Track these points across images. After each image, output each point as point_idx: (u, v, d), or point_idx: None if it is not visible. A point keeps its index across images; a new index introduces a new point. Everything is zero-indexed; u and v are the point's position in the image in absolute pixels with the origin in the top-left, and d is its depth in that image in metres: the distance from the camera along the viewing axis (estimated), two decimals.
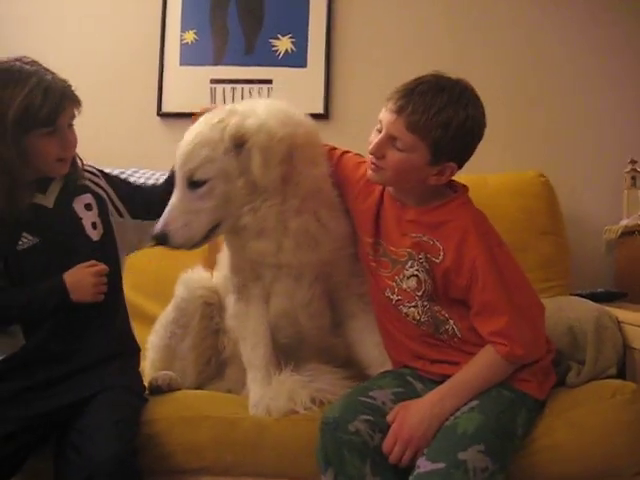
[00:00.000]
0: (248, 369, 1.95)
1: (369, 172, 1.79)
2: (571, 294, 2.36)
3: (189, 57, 3.03)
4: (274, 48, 2.98)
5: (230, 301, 2.02)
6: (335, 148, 2.03)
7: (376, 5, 3.01)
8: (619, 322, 1.99)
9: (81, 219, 1.91)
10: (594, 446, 1.71)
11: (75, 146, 1.91)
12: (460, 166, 1.77)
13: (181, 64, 3.03)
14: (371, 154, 1.76)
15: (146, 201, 2.02)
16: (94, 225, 1.92)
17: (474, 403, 1.65)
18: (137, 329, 2.38)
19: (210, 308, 2.12)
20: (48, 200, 1.90)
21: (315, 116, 2.88)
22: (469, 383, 1.68)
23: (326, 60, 2.96)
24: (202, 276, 2.18)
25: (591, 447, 1.71)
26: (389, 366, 1.90)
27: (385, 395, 1.71)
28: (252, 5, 3.01)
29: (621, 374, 1.93)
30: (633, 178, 2.74)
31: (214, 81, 3.00)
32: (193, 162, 1.77)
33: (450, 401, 1.66)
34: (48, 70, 1.85)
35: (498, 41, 2.95)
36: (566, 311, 2.05)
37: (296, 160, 1.80)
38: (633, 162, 2.75)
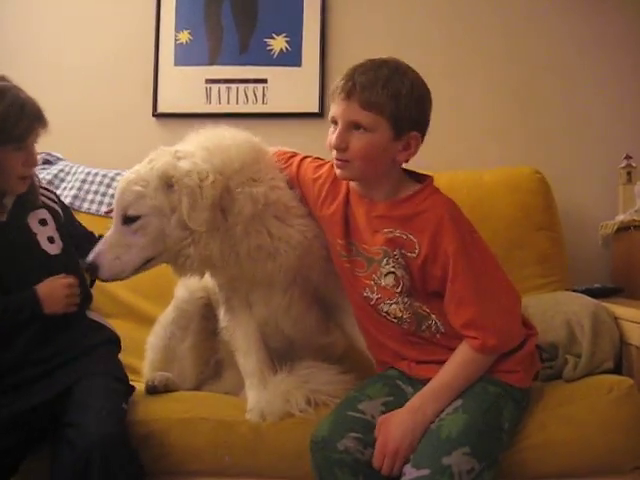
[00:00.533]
0: (245, 377, 1.96)
1: (337, 171, 1.76)
2: (567, 290, 2.37)
3: (184, 57, 3.03)
4: (269, 47, 2.97)
5: (220, 313, 2.04)
6: (294, 154, 1.99)
7: (370, 4, 3.01)
8: (616, 318, 2.00)
9: (35, 234, 1.92)
10: (590, 442, 1.72)
11: (36, 165, 1.95)
12: (422, 135, 1.73)
13: (176, 64, 3.03)
14: (334, 149, 1.71)
15: (80, 242, 2.05)
16: (51, 239, 1.94)
17: (458, 403, 1.63)
18: (135, 330, 2.41)
19: (210, 309, 2.12)
20: (1, 214, 1.91)
21: (310, 115, 2.94)
22: (448, 385, 1.65)
23: (321, 59, 2.96)
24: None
25: (587, 443, 1.71)
26: None
27: (374, 407, 1.70)
28: (246, 4, 3.01)
29: (618, 370, 1.94)
30: (629, 174, 2.74)
31: (209, 81, 3.00)
32: (126, 198, 1.80)
33: (431, 406, 1.63)
34: (20, 88, 1.88)
35: (491, 39, 2.95)
36: (563, 305, 2.06)
37: (232, 189, 1.80)
38: (628, 158, 2.75)
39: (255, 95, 2.97)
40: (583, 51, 2.92)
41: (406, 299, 1.74)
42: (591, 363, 1.88)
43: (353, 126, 1.68)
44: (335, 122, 1.71)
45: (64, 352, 1.88)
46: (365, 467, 1.62)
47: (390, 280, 1.74)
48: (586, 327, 1.94)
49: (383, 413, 1.67)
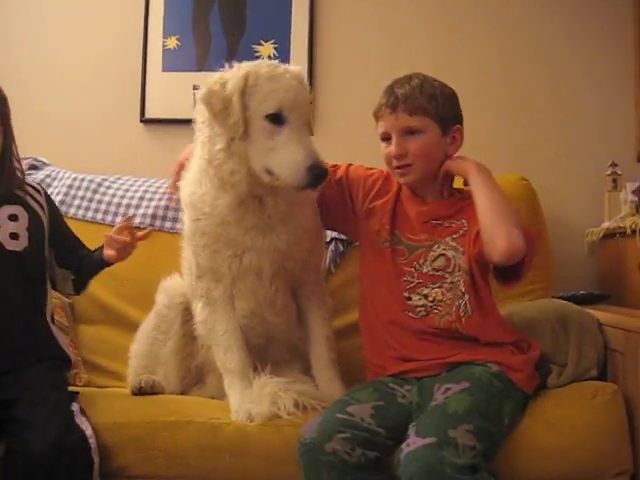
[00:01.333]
0: (224, 374, 1.95)
1: (402, 180, 1.94)
2: (553, 296, 2.37)
3: (172, 63, 3.02)
4: (257, 54, 2.96)
5: (197, 307, 2.02)
6: (337, 165, 2.09)
7: (358, 10, 3.02)
8: (600, 324, 2.00)
9: None
10: (575, 447, 1.72)
11: None
12: (462, 125, 1.96)
13: (164, 70, 3.03)
14: (395, 157, 1.90)
15: (68, 250, 2.06)
16: (14, 235, 1.92)
17: (465, 385, 1.69)
18: (121, 336, 2.41)
19: (190, 313, 2.11)
20: None
21: None
22: None
23: (309, 66, 2.96)
24: (181, 283, 2.18)
25: (572, 448, 1.72)
26: (338, 386, 1.96)
27: (364, 410, 1.71)
28: (234, 11, 3.01)
29: (602, 376, 1.94)
30: (614, 181, 2.75)
31: (197, 87, 2.99)
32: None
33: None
34: None
35: (479, 43, 2.96)
36: (548, 313, 2.07)
37: None
38: (614, 165, 2.77)
39: None
40: (570, 58, 2.94)
41: (456, 277, 1.87)
42: (575, 372, 1.90)
43: (406, 132, 1.89)
44: (387, 137, 1.92)
45: (7, 358, 1.85)
46: (353, 470, 1.63)
47: (441, 262, 1.89)
48: (571, 336, 1.97)
49: (372, 417, 1.69)
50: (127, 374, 2.21)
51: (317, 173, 1.73)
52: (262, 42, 2.98)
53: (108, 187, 2.73)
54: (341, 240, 2.49)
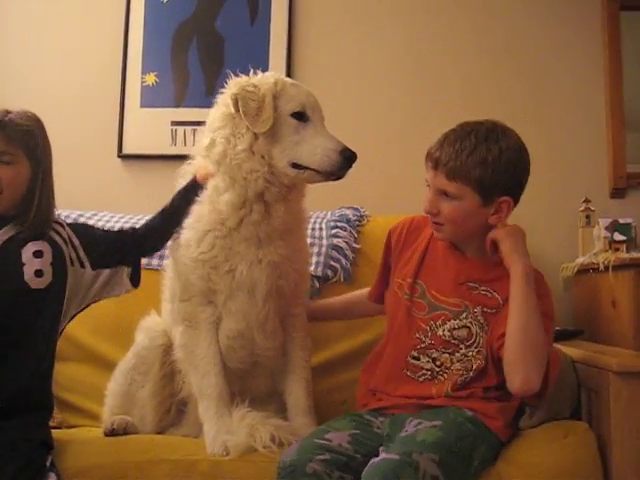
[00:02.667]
0: (200, 399, 1.94)
1: (434, 234, 1.90)
2: None
3: (150, 99, 3.04)
4: None
5: (177, 332, 2.01)
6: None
7: (336, 48, 3.07)
8: (574, 362, 2.01)
9: (24, 265, 1.86)
10: None
11: (5, 183, 1.87)
12: (516, 200, 1.83)
13: (142, 106, 3.04)
14: (428, 213, 1.85)
15: (107, 250, 2.00)
16: (39, 273, 1.87)
17: (437, 422, 1.68)
18: (95, 374, 2.38)
19: (169, 354, 2.10)
20: None
21: None
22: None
23: None
24: (160, 322, 2.17)
25: None
26: (312, 419, 1.96)
27: (341, 437, 1.71)
28: (213, 48, 3.04)
29: (576, 413, 1.95)
30: (587, 217, 2.79)
31: (175, 123, 3.02)
32: None
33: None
34: None
35: (460, 72, 3.03)
36: None
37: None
38: (587, 201, 2.81)
39: None
40: (544, 95, 3.00)
41: (470, 352, 1.81)
42: (548, 413, 1.89)
43: (442, 193, 1.80)
44: (429, 185, 1.85)
45: None
46: None
47: (463, 333, 1.82)
48: None
49: (349, 443, 1.70)
50: (102, 413, 2.18)
51: (348, 155, 1.86)
52: None
53: None
54: (317, 277, 2.48)
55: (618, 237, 2.67)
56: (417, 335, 1.86)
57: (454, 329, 1.83)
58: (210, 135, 1.97)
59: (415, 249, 1.96)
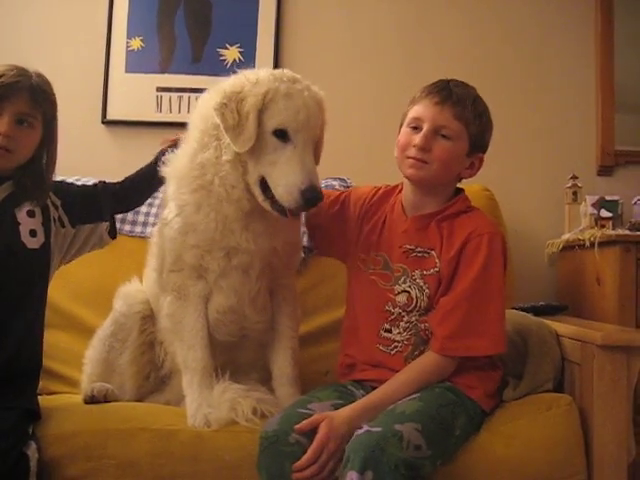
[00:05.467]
0: (184, 371, 1.92)
1: (410, 171, 1.82)
2: (513, 307, 2.38)
3: (135, 64, 2.99)
4: (222, 57, 2.96)
5: (165, 301, 1.97)
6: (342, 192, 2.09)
7: (325, 14, 3.03)
8: (558, 335, 2.02)
9: (19, 224, 1.86)
10: (531, 459, 1.72)
11: (15, 142, 1.83)
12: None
13: (127, 71, 2.99)
14: (419, 149, 1.79)
15: (83, 205, 1.99)
16: (33, 232, 1.87)
17: (415, 395, 1.68)
18: (75, 340, 2.36)
19: (148, 322, 2.08)
20: None
21: None
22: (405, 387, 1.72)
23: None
24: (139, 289, 2.14)
25: (528, 461, 1.72)
26: (297, 389, 1.94)
27: (323, 407, 1.71)
28: (200, 14, 2.99)
29: (559, 387, 1.96)
30: (574, 193, 2.79)
31: (160, 89, 2.97)
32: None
33: (382, 409, 1.67)
34: None
35: (448, 53, 3.00)
36: (507, 325, 2.06)
37: None
38: (574, 178, 2.81)
39: None
40: (533, 72, 2.99)
41: (413, 318, 1.81)
42: (531, 385, 1.90)
43: (439, 132, 1.80)
44: (416, 126, 1.82)
45: None
46: None
47: (403, 299, 1.82)
48: (529, 348, 1.97)
49: None
50: (81, 380, 2.16)
51: (309, 197, 1.71)
52: (227, 46, 2.97)
53: None
54: (303, 247, 2.46)
55: (604, 214, 2.68)
56: (387, 307, 1.85)
57: (398, 294, 1.83)
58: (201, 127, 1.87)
59: (376, 222, 1.94)
